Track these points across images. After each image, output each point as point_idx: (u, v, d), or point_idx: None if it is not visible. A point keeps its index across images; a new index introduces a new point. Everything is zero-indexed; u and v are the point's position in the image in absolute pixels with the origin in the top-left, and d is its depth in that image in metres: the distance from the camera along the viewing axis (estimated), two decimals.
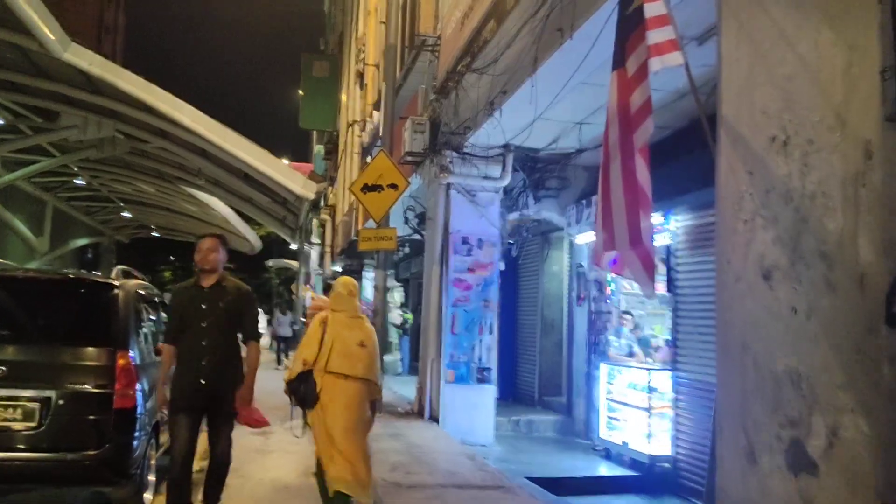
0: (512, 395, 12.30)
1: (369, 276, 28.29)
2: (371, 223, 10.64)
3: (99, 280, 5.80)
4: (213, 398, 4.68)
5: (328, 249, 27.18)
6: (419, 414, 9.69)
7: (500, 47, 7.30)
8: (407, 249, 18.43)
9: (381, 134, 13.34)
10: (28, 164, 29.57)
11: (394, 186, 9.82)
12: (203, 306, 4.70)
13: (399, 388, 12.81)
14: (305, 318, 11.95)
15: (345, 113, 24.09)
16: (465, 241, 9.44)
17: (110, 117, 24.93)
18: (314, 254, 33.83)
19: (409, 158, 10.06)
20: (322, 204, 26.61)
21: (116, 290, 5.23)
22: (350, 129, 19.92)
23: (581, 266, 10.48)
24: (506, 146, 9.24)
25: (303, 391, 4.89)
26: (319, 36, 37.80)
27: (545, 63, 6.33)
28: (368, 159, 17.45)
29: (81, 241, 49.97)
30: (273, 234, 58.74)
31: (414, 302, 22.96)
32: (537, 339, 12.06)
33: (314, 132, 39.96)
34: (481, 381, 9.31)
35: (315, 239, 32.24)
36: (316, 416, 4.88)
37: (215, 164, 26.11)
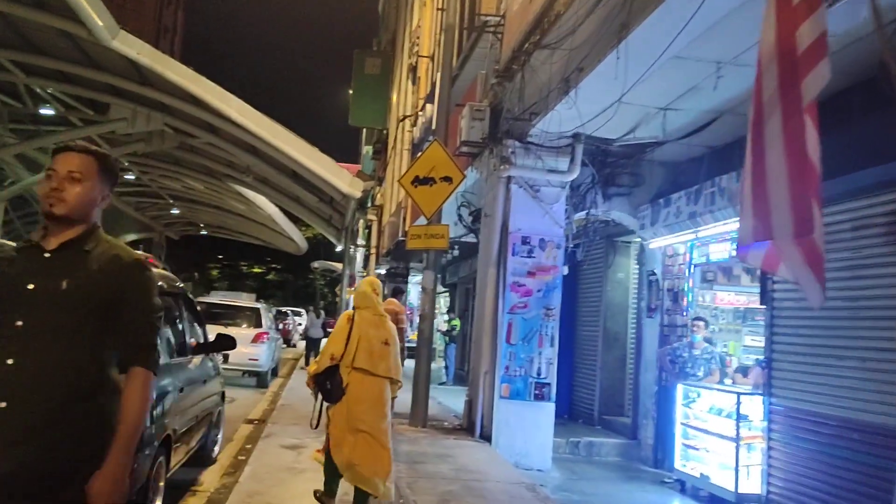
0: (567, 411, 11.28)
1: (415, 279, 27.58)
2: (421, 220, 9.77)
3: None
4: (26, 491, 2.08)
5: (373, 251, 26.46)
6: (468, 431, 8.75)
7: (579, 16, 6.34)
8: (455, 252, 17.54)
9: (434, 124, 12.51)
10: None
11: (448, 180, 8.95)
12: (30, 286, 2.22)
13: (444, 399, 11.89)
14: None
15: (395, 111, 23.36)
16: (525, 241, 8.48)
17: (159, 110, 24.66)
18: (359, 256, 33.21)
19: (466, 149, 9.16)
20: (369, 204, 25.90)
21: None
22: (400, 125, 19.13)
23: (653, 274, 9.43)
24: (575, 136, 8.27)
25: (329, 386, 5.01)
26: (373, 38, 37.27)
27: (636, 30, 5.35)
28: (419, 155, 16.65)
29: (131, 237, 50.31)
30: (319, 235, 58.66)
31: (460, 308, 22.03)
32: (598, 352, 11.02)
33: (363, 134, 39.46)
34: (539, 397, 8.33)
35: (360, 241, 31.59)
36: (338, 409, 5.03)
37: (264, 162, 25.65)
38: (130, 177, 37.69)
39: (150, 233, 55.67)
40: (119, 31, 18.01)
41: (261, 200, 35.55)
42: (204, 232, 61.41)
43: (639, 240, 10.47)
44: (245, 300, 15.70)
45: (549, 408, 8.38)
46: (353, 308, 5.38)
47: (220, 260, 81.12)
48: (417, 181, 9.13)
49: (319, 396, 5.26)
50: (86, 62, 21.54)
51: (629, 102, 6.96)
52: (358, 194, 20.52)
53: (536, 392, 8.34)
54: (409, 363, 8.59)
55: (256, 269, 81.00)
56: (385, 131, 26.20)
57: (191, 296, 6.04)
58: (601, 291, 11.09)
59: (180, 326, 5.45)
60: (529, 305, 8.41)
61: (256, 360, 13.31)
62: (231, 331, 13.53)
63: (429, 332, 8.99)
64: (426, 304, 8.96)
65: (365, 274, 32.84)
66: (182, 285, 5.82)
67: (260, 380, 13.78)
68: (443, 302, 27.53)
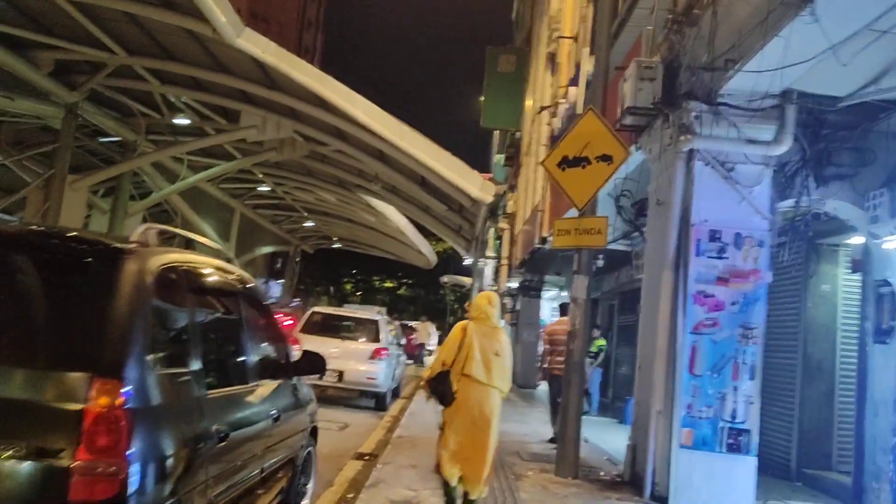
0: None
1: (547, 294, 25.47)
2: (572, 212, 7.84)
3: (88, 238, 3.15)
4: None
5: (505, 262, 24.65)
6: (633, 486, 6.68)
7: None
8: (600, 262, 15.34)
9: (579, 108, 10.56)
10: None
11: (606, 159, 6.99)
12: None
13: (592, 434, 9.80)
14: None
15: (530, 114, 21.53)
16: (714, 236, 6.35)
17: (288, 117, 24.11)
18: (488, 268, 31.52)
19: (630, 120, 7.15)
20: (500, 212, 24.16)
21: (124, 262, 2.77)
22: (535, 120, 17.25)
23: (886, 284, 6.98)
24: (784, 94, 6.09)
25: (440, 390, 5.27)
26: (506, 43, 35.72)
27: None
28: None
29: (267, 249, 51.28)
30: (449, 249, 57.67)
31: (604, 326, 19.75)
32: (796, 385, 8.59)
33: (493, 141, 37.91)
34: (734, 448, 6.15)
35: (490, 252, 29.90)
36: (449, 414, 5.29)
37: (392, 168, 24.55)
38: (265, 188, 38.04)
39: (285, 246, 56.71)
40: (244, 30, 17.30)
41: (390, 212, 34.69)
42: (337, 245, 61.99)
43: (854, 241, 8.05)
44: (367, 312, 14.28)
45: (748, 464, 6.18)
46: (469, 319, 5.56)
47: (353, 274, 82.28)
48: (566, 163, 7.24)
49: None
50: (215, 66, 21.21)
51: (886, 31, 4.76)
52: (489, 199, 18.79)
53: (730, 441, 6.15)
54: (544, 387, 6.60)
55: (388, 284, 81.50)
56: (518, 134, 24.41)
57: (259, 296, 4.42)
58: (799, 308, 8.67)
59: (234, 339, 3.80)
60: (720, 323, 6.26)
61: (374, 379, 11.77)
62: (346, 346, 12.13)
63: (580, 355, 7.00)
64: (577, 319, 6.98)
65: (496, 288, 31.13)
66: (243, 278, 4.18)
67: (378, 401, 12.23)
68: None
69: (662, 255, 6.62)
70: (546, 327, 9.85)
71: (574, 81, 11.99)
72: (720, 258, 6.33)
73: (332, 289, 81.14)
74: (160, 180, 30.43)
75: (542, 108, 15.46)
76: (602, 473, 7.43)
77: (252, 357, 3.93)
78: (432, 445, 6.15)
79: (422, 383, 5.43)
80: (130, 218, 28.34)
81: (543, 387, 21.23)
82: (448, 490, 5.37)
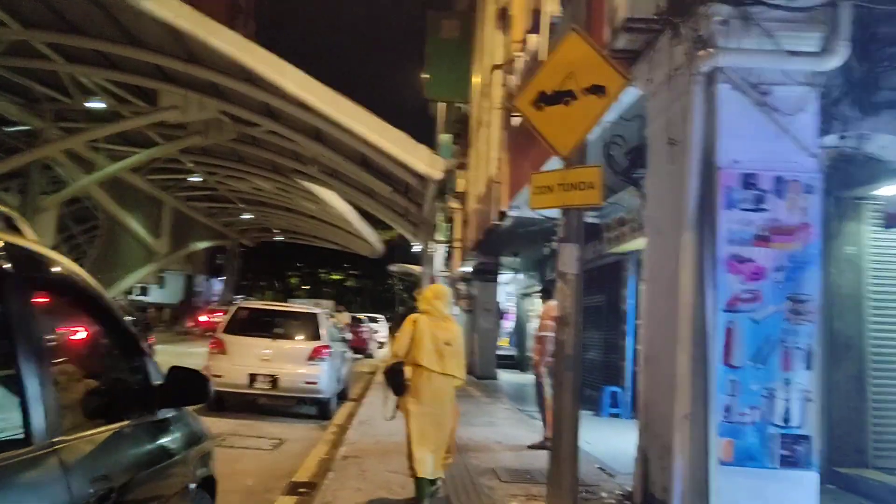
0: None
1: (504, 278, 23.92)
2: (552, 164, 6.20)
3: None
4: None
5: (458, 245, 23.02)
6: None
7: None
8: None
9: (545, 44, 8.97)
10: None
11: (597, 90, 5.35)
12: None
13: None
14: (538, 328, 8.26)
15: (478, 84, 19.90)
16: (749, 182, 4.80)
17: (212, 95, 22.02)
18: (438, 255, 29.87)
19: (625, 41, 5.56)
20: (449, 193, 22.46)
21: None
22: (486, 86, 15.59)
23: None
24: None
25: (394, 380, 5.58)
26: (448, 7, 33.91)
27: None
28: (515, 120, 13.08)
29: (203, 244, 48.63)
30: (396, 237, 55.90)
31: None
32: (820, 368, 7.15)
33: (439, 120, 36.21)
34: (790, 461, 4.63)
35: (439, 236, 28.23)
36: (404, 403, 5.60)
37: (331, 149, 22.69)
38: (196, 179, 35.61)
39: (224, 240, 54.07)
40: None
41: (331, 198, 32.79)
42: (279, 238, 59.57)
43: (886, 191, 6.66)
44: (303, 306, 12.38)
45: (808, 480, 4.66)
46: (420, 312, 5.79)
47: (299, 268, 79.90)
48: (544, 100, 5.56)
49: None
50: (125, 39, 19.00)
51: None
52: (438, 174, 17.13)
53: (784, 452, 4.63)
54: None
55: (335, 276, 79.43)
56: (465, 107, 22.75)
57: (100, 292, 2.62)
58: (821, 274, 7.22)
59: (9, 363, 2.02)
60: (762, 296, 4.72)
61: (315, 383, 9.96)
62: (280, 346, 10.30)
63: (574, 347, 5.39)
64: (567, 301, 5.35)
65: (448, 273, 29.52)
66: (51, 258, 2.39)
67: (321, 408, 10.42)
68: (538, 303, 23.83)
69: (677, 211, 5.04)
70: (548, 308, 8.30)
71: (535, 28, 10.37)
72: (758, 210, 4.78)
73: (277, 283, 78.57)
74: (77, 172, 27.87)
75: (495, 67, 13.82)
76: (604, 495, 5.88)
77: (50, 393, 2.13)
78: (385, 464, 6.63)
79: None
80: (42, 214, 25.78)
81: (506, 376, 19.79)
82: (419, 486, 5.52)
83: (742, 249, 4.76)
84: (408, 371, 5.56)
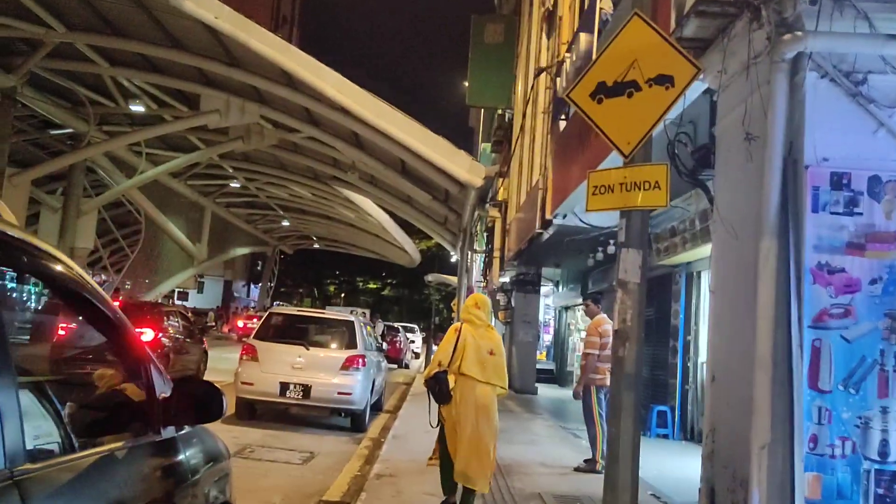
0: None
1: (543, 290, 23.24)
2: (612, 161, 5.68)
3: None
4: None
5: (497, 254, 22.51)
6: None
7: None
8: (612, 248, 13.28)
9: (596, 43, 8.46)
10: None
11: (664, 81, 4.87)
12: None
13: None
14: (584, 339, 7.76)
15: (521, 90, 19.45)
16: (840, 182, 4.25)
17: (253, 99, 21.90)
18: (475, 266, 29.40)
19: (694, 27, 5.04)
20: (489, 202, 21.97)
21: None
22: (530, 87, 15.11)
23: None
24: None
25: (438, 389, 5.48)
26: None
27: None
28: (563, 123, 12.57)
29: (242, 250, 48.92)
30: (433, 247, 55.63)
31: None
32: None
33: (479, 130, 35.83)
34: (887, 502, 4.02)
35: (478, 246, 27.74)
36: (448, 411, 5.55)
37: (369, 154, 22.36)
38: (237, 185, 35.71)
39: (263, 247, 54.34)
40: None
41: (369, 206, 32.54)
42: (317, 245, 59.66)
43: None
44: (339, 313, 11.97)
45: None
46: (461, 321, 5.84)
47: (336, 276, 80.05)
48: (603, 91, 5.09)
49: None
50: (167, 41, 18.94)
51: None
52: (479, 182, 16.63)
53: (880, 491, 4.05)
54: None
55: (372, 285, 79.38)
56: (508, 113, 22.30)
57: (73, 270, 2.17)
58: None
59: None
60: (855, 311, 4.15)
61: (348, 394, 9.53)
62: (313, 355, 9.89)
63: (634, 365, 4.84)
64: (629, 313, 4.82)
65: (484, 284, 29.01)
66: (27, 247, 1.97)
67: (355, 421, 9.98)
68: (579, 316, 23.16)
69: (755, 214, 4.49)
70: (596, 322, 7.78)
71: (586, 27, 9.88)
72: (850, 214, 4.22)
73: (315, 291, 78.80)
74: (118, 176, 28.07)
75: (540, 71, 13.33)
76: None
77: (10, 409, 1.70)
78: (421, 484, 6.32)
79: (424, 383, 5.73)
80: (84, 216, 25.94)
81: (545, 391, 19.18)
82: (445, 478, 5.57)
83: (832, 258, 4.20)
84: (451, 380, 5.52)
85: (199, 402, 2.45)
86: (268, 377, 9.46)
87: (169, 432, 2.51)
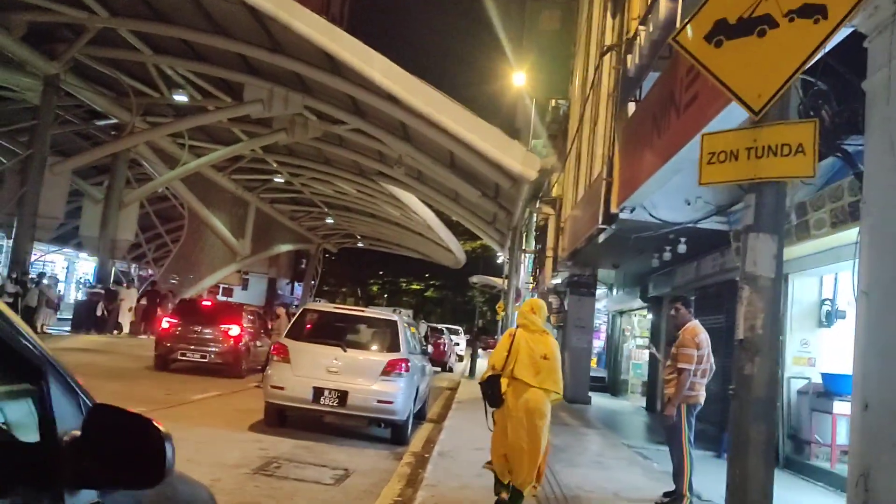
0: None
1: (598, 292, 21.82)
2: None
3: None
4: None
5: (549, 254, 21.30)
6: None
7: None
8: (682, 247, 12.00)
9: (679, 9, 7.26)
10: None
11: (812, 12, 3.75)
12: None
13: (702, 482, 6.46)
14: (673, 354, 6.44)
15: (579, 80, 18.24)
16: None
17: (297, 89, 21.14)
18: (523, 267, 28.14)
19: None
20: (542, 197, 20.77)
21: None
22: (594, 71, 13.90)
23: None
24: None
25: (491, 393, 5.54)
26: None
27: None
28: (631, 107, 11.36)
29: (286, 247, 48.43)
30: (478, 248, 54.50)
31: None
32: None
33: (531, 128, 34.59)
34: None
35: (528, 246, 26.54)
36: (500, 415, 5.56)
37: (417, 149, 21.41)
38: (280, 180, 35.15)
39: (307, 244, 53.89)
40: None
41: (415, 203, 31.62)
42: (361, 244, 59.05)
43: None
44: (381, 312, 10.89)
45: None
46: (517, 326, 5.82)
47: (380, 276, 79.53)
48: (724, 31, 3.97)
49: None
50: (210, 27, 18.28)
51: None
52: (533, 174, 15.51)
53: None
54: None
55: (415, 286, 78.65)
56: (562, 107, 21.11)
57: None
58: None
59: None
60: None
61: (389, 402, 8.47)
62: (351, 357, 8.85)
63: (768, 387, 3.66)
64: (758, 317, 3.66)
65: (531, 286, 27.80)
66: None
67: (396, 432, 8.92)
68: (636, 322, 21.81)
69: None
70: (691, 330, 6.53)
71: None
72: None
73: (358, 290, 78.36)
74: (162, 168, 27.62)
75: (608, 49, 12.12)
76: None
77: None
78: None
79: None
80: (126, 208, 25.52)
81: (599, 401, 17.91)
82: (499, 479, 5.53)
83: None
84: (503, 383, 5.51)
85: (128, 452, 1.40)
86: (300, 381, 8.46)
87: (81, 500, 1.46)
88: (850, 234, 7.29)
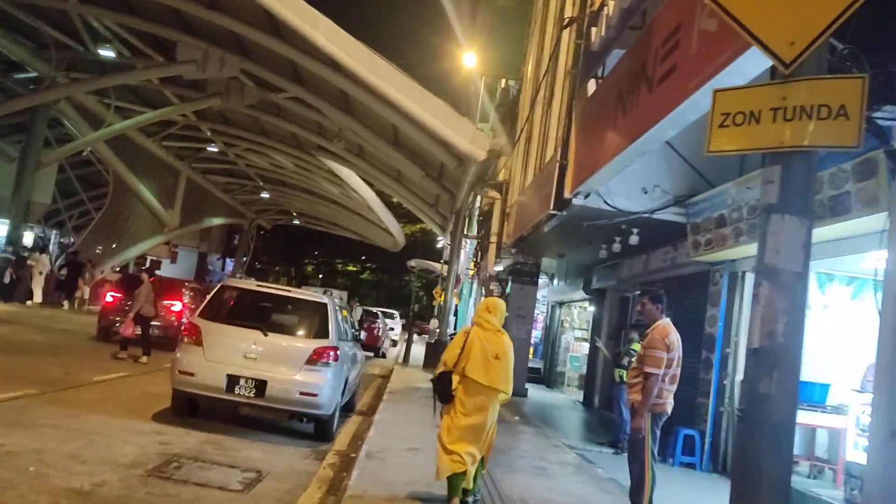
0: None
1: (540, 280, 21.17)
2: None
3: None
4: None
5: (493, 240, 20.60)
6: None
7: None
8: (635, 238, 11.36)
9: None
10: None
11: None
12: None
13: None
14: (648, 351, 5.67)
15: (533, 63, 17.50)
16: None
17: (234, 51, 19.76)
18: (463, 252, 27.37)
19: None
20: (487, 180, 19.99)
21: None
22: (552, 46, 13.13)
23: None
24: None
25: (441, 389, 5.64)
26: None
27: None
28: (592, 85, 10.62)
29: (217, 221, 46.49)
30: (417, 232, 53.59)
31: (611, 327, 15.79)
32: None
33: (478, 108, 33.81)
34: None
35: (470, 231, 25.81)
36: (448, 410, 5.63)
37: (359, 122, 20.32)
38: (214, 149, 33.43)
39: (240, 219, 51.97)
40: None
41: (355, 181, 30.48)
42: (297, 222, 57.37)
43: None
44: (309, 293, 9.83)
45: None
46: (473, 324, 5.87)
47: (315, 255, 77.83)
48: None
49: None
50: None
51: None
52: (482, 154, 14.70)
53: None
54: None
55: (351, 268, 77.25)
56: (512, 89, 20.36)
57: None
58: None
59: None
60: None
61: (314, 395, 7.53)
62: (272, 343, 7.85)
63: (789, 401, 2.93)
64: (779, 319, 2.92)
65: (473, 272, 27.12)
66: None
67: (319, 427, 8.00)
68: (576, 314, 21.30)
69: None
70: (661, 330, 5.70)
71: None
72: None
73: (292, 270, 76.43)
74: (86, 129, 25.73)
75: (571, 21, 11.34)
76: None
77: None
78: None
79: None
80: (44, 169, 23.67)
81: (535, 394, 17.31)
82: (452, 486, 5.45)
83: None
84: (454, 380, 5.57)
85: None
86: (213, 367, 7.44)
87: None
88: (826, 232, 6.71)
